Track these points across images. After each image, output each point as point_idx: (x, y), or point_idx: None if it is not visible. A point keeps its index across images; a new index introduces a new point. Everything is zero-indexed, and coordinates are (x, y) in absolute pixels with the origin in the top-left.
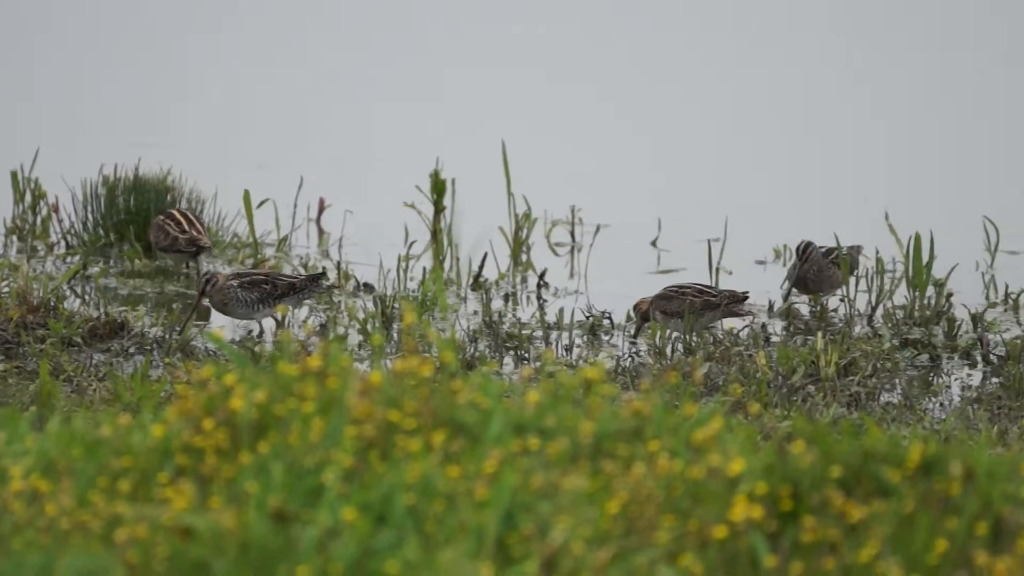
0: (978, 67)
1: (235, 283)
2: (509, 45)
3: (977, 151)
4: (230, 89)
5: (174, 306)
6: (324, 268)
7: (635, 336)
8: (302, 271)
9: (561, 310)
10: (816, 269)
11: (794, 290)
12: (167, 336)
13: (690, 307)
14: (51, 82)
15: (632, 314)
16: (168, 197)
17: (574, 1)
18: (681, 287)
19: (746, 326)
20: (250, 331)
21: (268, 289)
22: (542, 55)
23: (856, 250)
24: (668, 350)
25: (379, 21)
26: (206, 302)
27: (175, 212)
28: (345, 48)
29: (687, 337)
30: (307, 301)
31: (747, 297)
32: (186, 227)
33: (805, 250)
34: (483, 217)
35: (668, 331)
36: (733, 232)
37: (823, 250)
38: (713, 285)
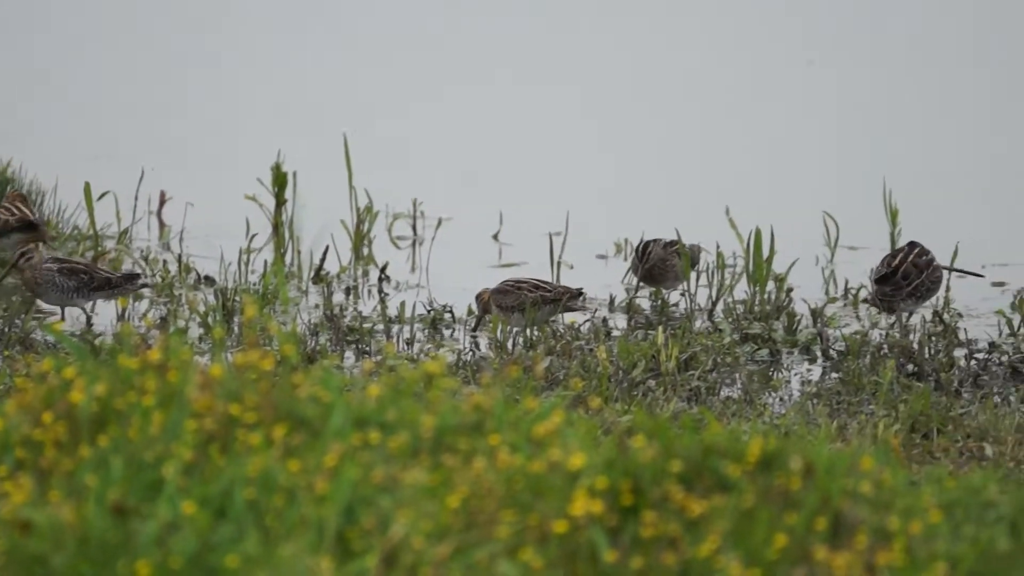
0: (808, 57)
1: (55, 267)
2: (354, 37)
3: (816, 146)
4: (73, 79)
5: (14, 299)
6: (143, 270)
7: (476, 328)
8: (144, 264)
9: (402, 304)
10: (659, 260)
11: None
12: (6, 329)
13: (526, 302)
14: None
15: (474, 305)
16: (8, 188)
17: None
18: (518, 282)
19: (587, 320)
20: (91, 324)
21: (85, 280)
22: (385, 47)
23: (696, 248)
24: (509, 344)
25: (225, 7)
26: (16, 278)
27: (5, 199)
28: (189, 36)
29: (528, 331)
30: (125, 295)
31: (582, 293)
32: (14, 211)
33: (645, 249)
34: (325, 210)
35: (509, 325)
36: (575, 226)
37: (664, 242)
38: (550, 280)
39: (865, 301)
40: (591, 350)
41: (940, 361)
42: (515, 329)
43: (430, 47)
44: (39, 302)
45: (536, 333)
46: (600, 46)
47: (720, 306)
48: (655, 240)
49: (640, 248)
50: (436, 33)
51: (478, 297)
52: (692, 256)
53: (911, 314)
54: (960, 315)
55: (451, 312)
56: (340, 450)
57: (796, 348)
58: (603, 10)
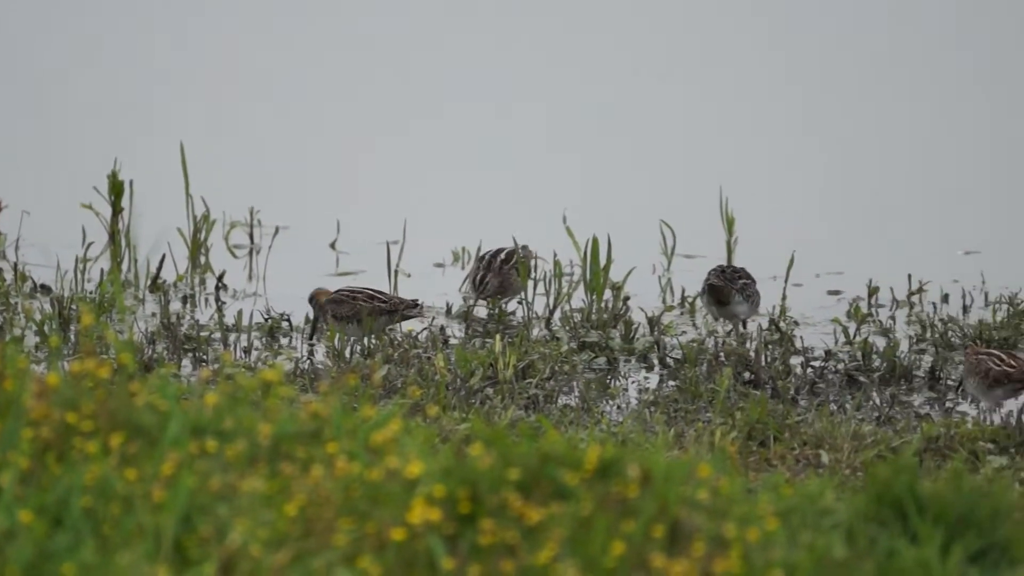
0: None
1: None
2: (192, 46)
3: (655, 156)
4: None
5: None
6: None
7: (312, 334)
8: None
9: (240, 312)
10: (500, 275)
11: (473, 294)
12: None
13: (361, 312)
14: None
15: (310, 305)
16: None
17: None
18: (353, 291)
19: (425, 328)
20: None
21: None
22: (228, 50)
23: (526, 250)
24: (347, 352)
25: (71, 10)
26: None
27: None
28: (24, 40)
29: (365, 340)
30: None
31: (418, 304)
32: None
33: (492, 259)
34: (162, 218)
35: (345, 335)
36: (413, 234)
37: (504, 254)
38: (386, 290)
39: (700, 299)
40: (429, 358)
41: (776, 369)
42: (352, 338)
43: (276, 48)
44: None
45: (374, 341)
46: (448, 48)
47: (557, 314)
48: (496, 252)
49: (480, 260)
50: (282, 34)
51: (312, 298)
52: (526, 261)
53: (746, 322)
54: (796, 323)
55: (288, 320)
56: (177, 458)
57: (633, 356)
58: (452, 10)
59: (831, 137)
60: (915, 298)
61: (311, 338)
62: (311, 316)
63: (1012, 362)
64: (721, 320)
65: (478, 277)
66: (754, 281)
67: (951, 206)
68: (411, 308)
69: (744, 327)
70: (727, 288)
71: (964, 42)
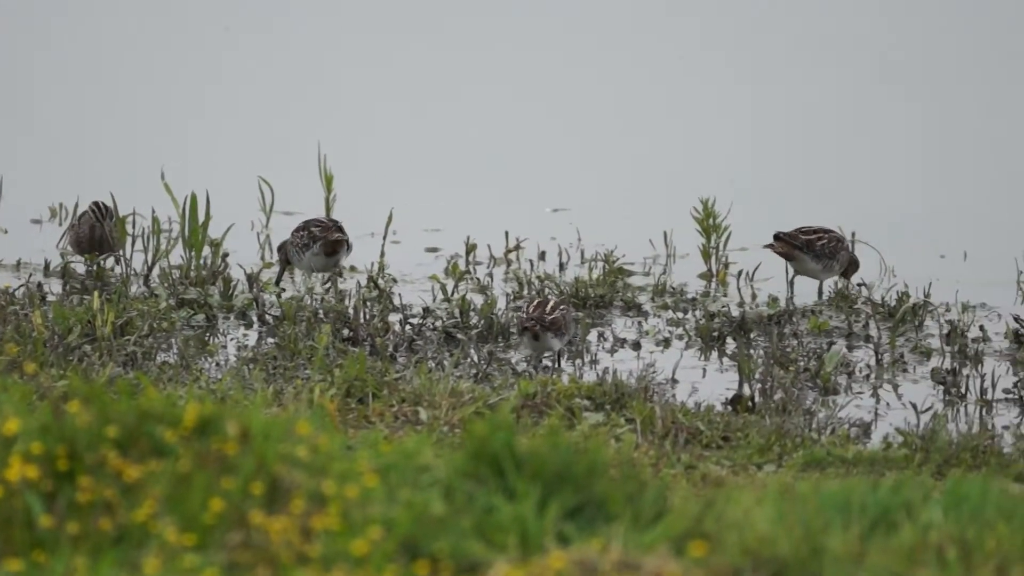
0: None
1: None
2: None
3: (254, 110)
4: None
5: None
6: None
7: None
8: None
9: None
10: (110, 228)
11: (71, 249)
12: None
13: None
14: None
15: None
16: None
17: None
18: None
19: (22, 284)
20: None
21: None
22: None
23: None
24: None
25: None
26: None
27: None
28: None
29: None
30: None
31: None
32: None
33: (94, 215)
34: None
35: None
36: (9, 191)
37: (99, 209)
38: None
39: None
40: (26, 315)
41: (375, 326)
42: None
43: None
44: None
45: None
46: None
47: (156, 271)
48: (96, 207)
49: (80, 217)
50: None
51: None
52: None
53: (340, 280)
54: (395, 280)
55: None
56: None
57: (232, 313)
58: None
59: (443, 97)
60: (512, 255)
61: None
62: None
63: (531, 311)
64: (321, 276)
65: (78, 233)
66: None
67: (543, 164)
68: None
69: (341, 285)
70: (341, 240)
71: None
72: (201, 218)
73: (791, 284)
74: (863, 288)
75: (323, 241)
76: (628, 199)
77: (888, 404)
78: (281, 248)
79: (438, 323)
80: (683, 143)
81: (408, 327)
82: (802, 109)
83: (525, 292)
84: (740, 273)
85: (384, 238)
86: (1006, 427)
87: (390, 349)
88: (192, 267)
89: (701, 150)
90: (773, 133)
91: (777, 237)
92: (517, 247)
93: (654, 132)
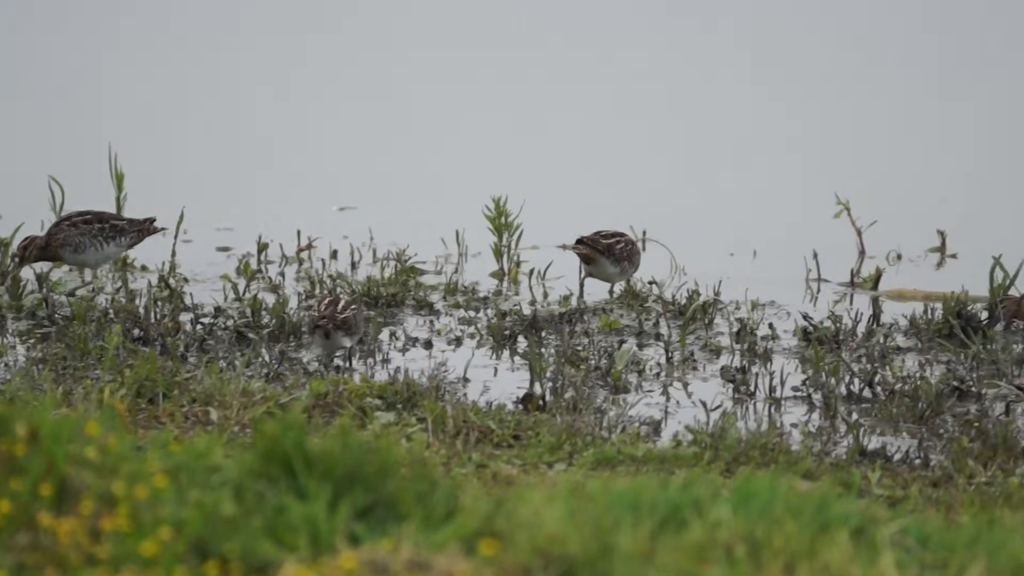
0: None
1: None
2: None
3: (37, 108)
4: None
5: None
6: None
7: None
8: None
9: None
10: None
11: None
12: None
13: None
14: None
15: None
16: None
17: None
18: None
19: None
20: None
21: None
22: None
23: None
24: None
25: None
26: None
27: None
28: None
29: None
30: None
31: None
32: None
33: None
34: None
35: None
36: None
37: None
38: None
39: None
40: None
41: (166, 326)
42: None
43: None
44: None
45: None
46: None
47: None
48: None
49: None
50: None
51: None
52: None
53: (130, 279)
54: (187, 280)
55: None
56: None
57: (22, 313)
58: None
59: (231, 96)
60: (304, 254)
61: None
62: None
63: (322, 309)
64: (111, 276)
65: None
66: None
67: (335, 163)
68: None
69: (131, 284)
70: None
71: None
72: None
73: (582, 283)
74: (654, 286)
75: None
76: (420, 198)
77: (678, 402)
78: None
79: (229, 322)
80: (477, 141)
81: (199, 327)
82: (592, 106)
83: (317, 291)
84: (532, 272)
85: (175, 237)
86: (794, 425)
87: (181, 349)
88: None
89: (494, 148)
90: (564, 131)
91: (580, 241)
92: (309, 246)
93: (446, 130)
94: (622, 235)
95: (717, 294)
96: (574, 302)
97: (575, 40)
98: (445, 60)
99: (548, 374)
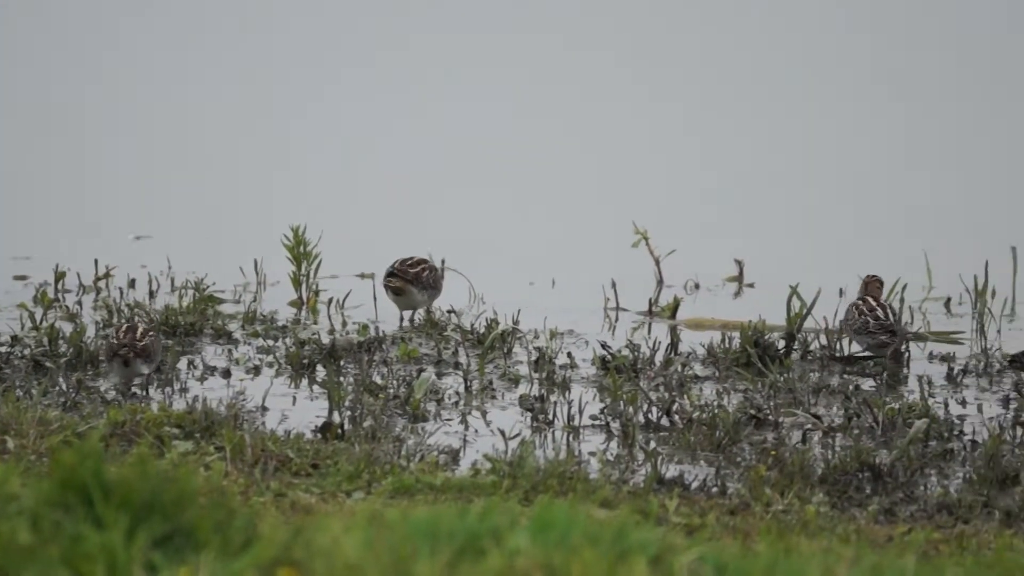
0: None
1: None
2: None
3: None
4: None
5: None
6: None
7: None
8: None
9: None
10: None
11: None
12: None
13: None
14: None
15: None
16: None
17: None
18: None
19: None
20: None
21: None
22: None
23: None
24: None
25: None
26: None
27: None
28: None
29: None
30: None
31: None
32: None
33: None
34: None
35: None
36: None
37: None
38: None
39: None
40: None
41: None
42: None
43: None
44: None
45: None
46: None
47: None
48: None
49: None
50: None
51: None
52: None
53: None
54: None
55: None
56: None
57: None
58: None
59: (31, 121)
60: (102, 283)
61: None
62: None
63: (121, 337)
64: None
65: None
66: None
67: (133, 191)
68: None
69: None
70: None
71: None
72: None
73: (375, 309)
74: (452, 315)
75: None
76: (218, 227)
77: (477, 431)
78: None
79: (26, 351)
80: (276, 170)
81: None
82: (391, 132)
83: (115, 320)
84: (331, 300)
85: None
86: (592, 453)
87: None
88: None
89: (293, 178)
90: (363, 160)
91: (391, 273)
92: (107, 275)
93: (244, 158)
94: (424, 261)
95: (516, 323)
96: (373, 331)
97: (381, 67)
98: (239, 84)
99: (347, 403)
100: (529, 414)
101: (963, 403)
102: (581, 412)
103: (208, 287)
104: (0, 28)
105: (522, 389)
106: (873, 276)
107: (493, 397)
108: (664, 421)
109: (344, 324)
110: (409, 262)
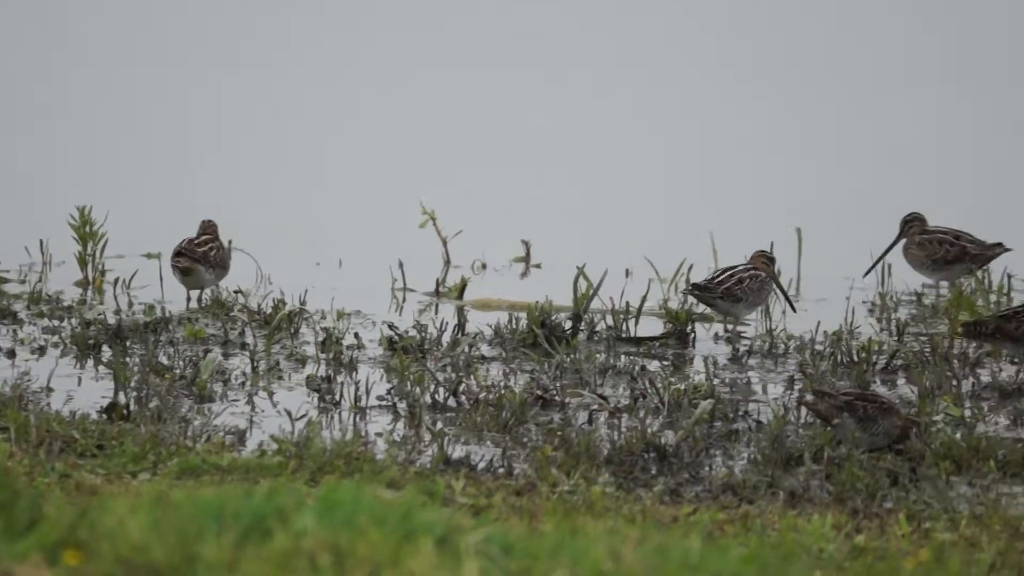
0: None
1: None
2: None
3: None
4: None
5: None
6: None
7: None
8: None
9: None
10: None
11: None
12: None
13: None
14: None
15: None
16: None
17: None
18: None
19: None
20: None
21: None
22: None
23: None
24: None
25: None
26: None
27: None
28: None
29: None
30: None
31: None
32: None
33: None
34: None
35: None
36: None
37: None
38: None
39: None
40: None
41: None
42: None
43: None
44: None
45: None
46: None
47: None
48: None
49: None
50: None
51: None
52: None
53: None
54: None
55: None
56: None
57: None
58: None
59: None
60: None
61: None
62: None
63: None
64: None
65: None
66: None
67: None
68: None
69: None
70: None
71: None
72: None
73: (162, 289)
74: (239, 296)
75: None
76: (3, 206)
77: (263, 411)
78: None
79: None
80: (65, 146)
81: None
82: (195, 111)
83: None
84: (117, 281)
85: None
86: (379, 434)
87: None
88: None
89: (83, 156)
90: (153, 136)
91: (179, 253)
92: None
93: (31, 133)
94: (211, 240)
95: (303, 303)
96: (159, 311)
97: (227, 51)
98: (37, 51)
99: (133, 383)
100: (316, 395)
101: (748, 383)
102: (368, 393)
103: None
104: None
105: (309, 370)
106: (761, 251)
107: (280, 378)
108: (451, 402)
109: (130, 304)
110: (196, 241)
